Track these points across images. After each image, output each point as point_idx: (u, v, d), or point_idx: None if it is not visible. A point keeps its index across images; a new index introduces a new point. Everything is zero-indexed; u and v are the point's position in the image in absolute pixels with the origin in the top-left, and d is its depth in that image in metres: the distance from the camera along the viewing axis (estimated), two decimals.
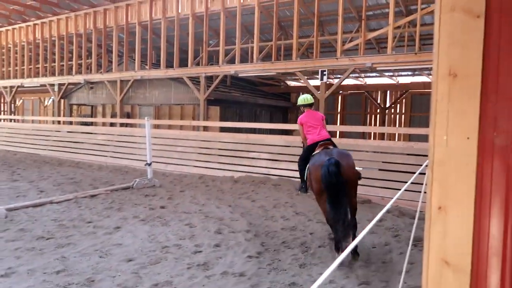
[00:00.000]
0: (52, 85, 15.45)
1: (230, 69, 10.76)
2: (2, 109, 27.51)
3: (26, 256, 3.97)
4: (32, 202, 6.35)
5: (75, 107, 21.53)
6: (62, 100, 16.61)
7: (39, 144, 14.62)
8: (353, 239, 3.37)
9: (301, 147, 5.51)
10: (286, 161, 8.72)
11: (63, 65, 15.93)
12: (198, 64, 12.74)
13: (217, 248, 4.30)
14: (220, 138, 10.13)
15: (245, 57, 13.52)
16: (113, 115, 18.03)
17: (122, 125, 13.63)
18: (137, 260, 3.93)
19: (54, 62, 15.82)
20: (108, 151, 12.51)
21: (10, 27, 17.07)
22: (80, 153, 13.05)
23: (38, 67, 16.47)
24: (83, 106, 20.86)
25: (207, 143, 10.34)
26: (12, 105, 18.17)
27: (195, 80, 12.51)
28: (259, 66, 10.28)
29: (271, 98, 16.13)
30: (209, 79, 12.03)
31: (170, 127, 15.89)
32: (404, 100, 15.27)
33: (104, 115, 19.78)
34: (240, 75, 10.83)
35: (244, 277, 3.53)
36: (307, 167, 3.90)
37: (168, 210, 6.23)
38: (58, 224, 5.20)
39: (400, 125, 15.13)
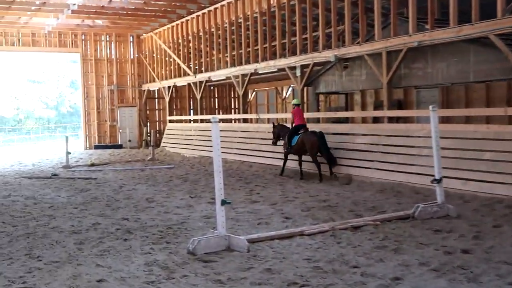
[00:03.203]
0: (293, 68, 18.04)
1: None
2: (231, 105, 34.41)
3: None
4: (278, 232, 7.53)
5: (322, 97, 24.33)
6: (305, 89, 19.10)
7: (278, 152, 17.16)
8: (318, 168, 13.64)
9: None
10: None
11: (305, 38, 18.35)
12: None
13: None
14: None
15: None
16: (377, 106, 19.29)
17: (391, 120, 14.47)
18: None
19: (295, 35, 18.45)
20: (372, 161, 13.46)
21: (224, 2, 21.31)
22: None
23: (275, 46, 19.67)
24: (334, 95, 23.35)
25: None
26: (242, 99, 22.35)
27: (510, 39, 11.91)
28: None
29: None
30: None
31: (467, 119, 15.65)
32: None
33: (364, 107, 21.46)
34: None
35: None
36: (298, 137, 14.12)
37: (476, 256, 6.16)
38: (313, 266, 5.93)
39: None
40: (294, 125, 14.90)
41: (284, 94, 29.42)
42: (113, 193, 12.53)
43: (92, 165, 19.83)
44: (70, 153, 19.95)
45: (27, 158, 24.86)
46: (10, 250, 7.09)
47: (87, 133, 30.91)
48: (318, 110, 19.81)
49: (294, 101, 15.64)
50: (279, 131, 15.51)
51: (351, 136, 15.18)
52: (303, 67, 17.39)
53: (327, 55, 16.05)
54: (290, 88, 28.33)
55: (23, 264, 6.39)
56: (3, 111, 56.21)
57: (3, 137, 52.46)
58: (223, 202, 6.76)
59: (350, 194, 11.26)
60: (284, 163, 15.20)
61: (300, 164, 14.49)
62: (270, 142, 16.51)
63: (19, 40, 28.84)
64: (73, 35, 29.92)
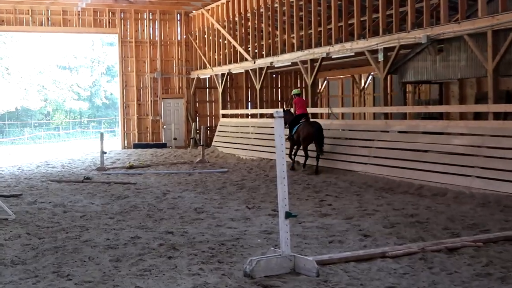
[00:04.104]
0: (374, 51, 17.89)
1: None
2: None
3: None
4: (354, 253, 7.45)
5: (410, 87, 24.00)
6: (388, 77, 18.91)
7: (354, 155, 17.20)
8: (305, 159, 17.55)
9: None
10: None
11: (390, 15, 18.09)
12: None
13: None
14: None
15: None
16: (480, 99, 18.85)
17: (497, 116, 14.10)
18: None
19: (377, 11, 18.26)
20: (473, 167, 13.19)
21: None
22: (421, 170, 14.34)
23: (352, 24, 19.53)
24: (424, 85, 22.98)
25: None
26: (311, 90, 22.32)
27: None
28: None
29: None
30: None
31: None
32: None
33: (462, 100, 21.01)
34: None
35: None
36: (298, 126, 17.36)
37: None
38: None
39: None
40: (296, 114, 18.40)
41: (363, 84, 29.18)
42: (156, 201, 12.78)
43: (131, 167, 20.31)
44: (105, 152, 20.48)
45: (55, 158, 25.77)
46: (36, 266, 7.34)
47: (125, 130, 31.68)
48: (405, 104, 19.59)
49: (294, 91, 19.84)
50: (287, 118, 16.37)
51: (446, 136, 14.97)
52: (386, 50, 17.23)
53: (417, 35, 15.81)
54: (370, 77, 28.10)
55: (50, 283, 6.60)
56: (29, 102, 58.15)
57: (29, 132, 54.53)
58: (288, 215, 6.76)
59: (444, 208, 11.09)
60: (291, 155, 18.29)
61: (294, 155, 18.20)
62: (345, 142, 16.46)
63: (48, 19, 29.90)
64: (110, 13, 30.77)
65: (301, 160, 18.06)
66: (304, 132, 17.24)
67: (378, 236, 8.80)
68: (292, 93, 20.32)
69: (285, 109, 19.77)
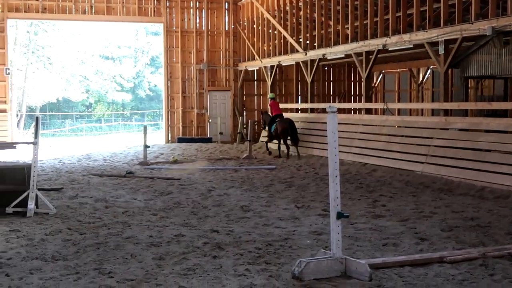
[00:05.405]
0: (434, 44, 17.67)
1: None
2: (351, 91, 34.15)
3: None
4: (409, 257, 7.42)
5: (472, 82, 23.63)
6: (449, 72, 18.63)
7: (411, 153, 16.99)
8: (287, 149, 22.78)
9: None
10: None
11: (452, 5, 17.70)
12: None
13: None
14: None
15: None
16: None
17: None
18: None
19: (438, 1, 18.00)
20: None
21: None
22: (483, 171, 14.13)
23: (411, 15, 19.30)
24: (488, 80, 22.60)
25: None
26: (366, 84, 22.13)
27: None
28: None
29: None
30: None
31: None
32: None
33: None
34: None
35: None
36: (275, 124, 23.04)
37: None
38: None
39: None
40: (272, 115, 23.93)
41: (421, 78, 28.86)
42: (200, 198, 12.91)
43: (175, 162, 20.53)
44: (148, 146, 20.76)
45: (97, 151, 26.24)
46: (77, 262, 7.51)
47: (169, 123, 32.06)
48: (466, 100, 19.29)
49: (270, 95, 25.89)
50: (265, 119, 24.74)
51: (510, 135, 14.69)
52: (448, 42, 16.99)
53: (481, 26, 15.56)
54: (429, 71, 27.77)
55: (91, 280, 6.74)
56: (71, 93, 59.11)
57: (70, 124, 55.56)
58: (340, 215, 6.77)
59: (507, 212, 10.90)
60: (267, 146, 24.47)
61: (279, 147, 22.83)
62: (402, 140, 16.35)
63: (91, 7, 30.45)
64: (155, 1, 31.16)
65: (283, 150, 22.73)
66: (280, 128, 22.28)
67: (435, 240, 8.71)
68: (268, 97, 26.56)
69: (263, 111, 26.62)
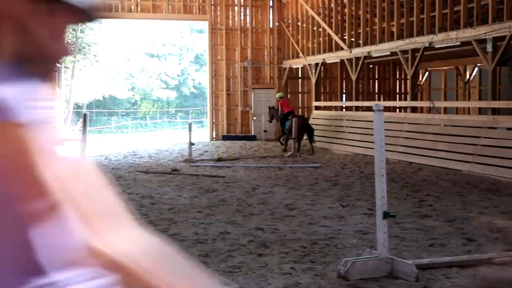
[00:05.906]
0: (482, 41, 17.42)
1: None
2: (396, 89, 33.88)
3: None
4: (457, 258, 7.38)
5: None
6: (497, 69, 18.33)
7: (458, 153, 16.85)
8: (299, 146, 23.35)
9: None
10: None
11: (501, 1, 17.45)
12: None
13: None
14: None
15: None
16: None
17: None
18: None
19: None
20: None
21: None
22: None
23: (458, 11, 19.06)
24: None
25: None
26: (412, 82, 21.90)
27: None
28: None
29: None
30: None
31: None
32: None
33: None
34: None
35: None
36: (289, 121, 23.86)
37: None
38: None
39: None
40: (285, 112, 24.92)
41: (468, 76, 28.46)
42: (245, 196, 12.98)
43: (220, 159, 20.66)
44: (193, 144, 20.88)
45: (142, 148, 26.53)
46: None
47: (213, 121, 32.24)
48: None
49: (278, 95, 27.33)
50: (273, 113, 25.78)
51: None
52: (496, 40, 16.74)
53: None
54: (476, 68, 27.38)
55: None
56: (116, 91, 59.84)
57: (116, 121, 56.25)
58: (386, 215, 6.75)
59: None
60: (281, 141, 25.08)
61: (287, 141, 23.79)
62: (448, 139, 16.20)
63: (137, 5, 30.76)
64: None
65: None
66: (297, 126, 22.49)
67: (483, 241, 8.60)
68: (277, 96, 27.73)
69: (270, 106, 27.01)
